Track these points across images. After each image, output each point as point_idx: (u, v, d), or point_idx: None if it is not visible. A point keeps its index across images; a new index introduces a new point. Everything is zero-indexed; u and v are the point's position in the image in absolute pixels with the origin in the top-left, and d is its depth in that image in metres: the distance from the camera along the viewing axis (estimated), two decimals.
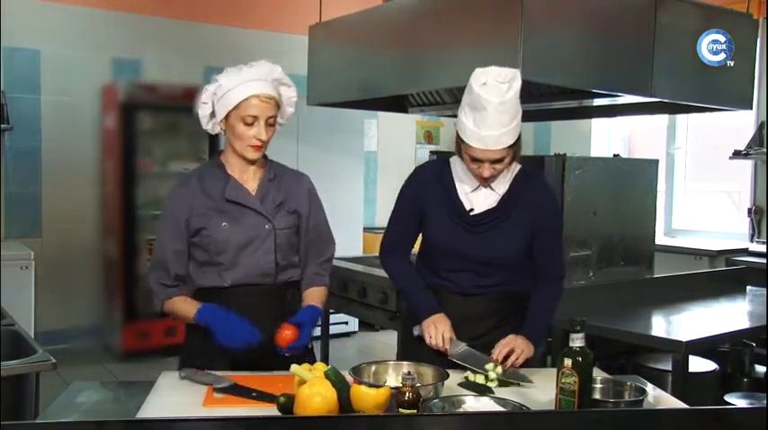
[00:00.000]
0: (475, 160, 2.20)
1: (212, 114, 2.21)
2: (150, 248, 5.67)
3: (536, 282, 2.35)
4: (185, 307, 2.19)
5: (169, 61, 6.04)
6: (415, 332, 2.33)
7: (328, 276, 2.36)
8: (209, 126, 2.24)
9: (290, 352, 2.09)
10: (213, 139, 5.72)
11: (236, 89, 2.12)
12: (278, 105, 2.19)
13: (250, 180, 2.24)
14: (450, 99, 3.89)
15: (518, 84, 2.16)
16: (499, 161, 2.19)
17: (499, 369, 2.12)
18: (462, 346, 2.23)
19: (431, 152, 4.08)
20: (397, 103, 4.26)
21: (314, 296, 2.28)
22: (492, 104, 2.10)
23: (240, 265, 2.18)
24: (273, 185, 2.26)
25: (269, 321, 2.14)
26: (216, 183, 2.21)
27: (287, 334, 2.08)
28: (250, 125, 2.13)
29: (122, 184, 5.58)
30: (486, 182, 2.26)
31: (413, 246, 2.47)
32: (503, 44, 2.97)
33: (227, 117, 2.16)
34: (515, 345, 2.17)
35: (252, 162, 2.22)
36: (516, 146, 2.21)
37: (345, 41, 4.09)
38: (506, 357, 2.15)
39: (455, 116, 4.64)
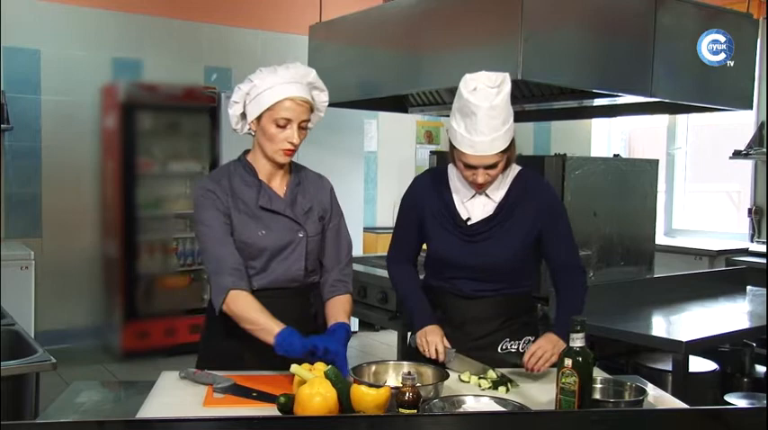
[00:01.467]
0: (468, 167, 2.18)
1: (243, 115, 2.17)
2: (150, 249, 5.69)
3: (556, 279, 2.33)
4: (263, 320, 2.02)
5: (169, 61, 6.05)
6: (410, 342, 2.35)
7: (350, 281, 2.31)
8: (239, 126, 2.20)
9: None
10: (213, 139, 5.74)
11: (271, 90, 2.08)
12: (311, 109, 2.16)
13: (278, 185, 2.21)
14: (450, 99, 3.88)
15: (508, 87, 2.13)
16: (493, 167, 2.17)
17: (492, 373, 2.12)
18: (452, 354, 2.22)
19: (431, 152, 4.07)
20: (397, 103, 4.26)
21: (338, 309, 2.21)
22: (482, 109, 2.08)
23: (270, 271, 2.16)
24: (300, 190, 2.23)
25: (291, 321, 2.09)
26: (248, 189, 2.17)
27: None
28: (282, 128, 2.09)
29: (122, 184, 5.58)
30: (480, 188, 2.25)
31: (418, 253, 2.47)
32: (503, 44, 2.97)
33: (259, 118, 2.11)
34: (545, 349, 2.13)
35: (281, 166, 2.19)
36: (510, 151, 2.19)
37: (345, 41, 4.08)
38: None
39: None
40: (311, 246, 2.20)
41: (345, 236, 2.33)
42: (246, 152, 2.24)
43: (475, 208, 2.28)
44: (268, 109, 2.08)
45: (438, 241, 2.32)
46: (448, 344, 2.24)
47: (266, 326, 2.01)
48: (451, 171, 2.33)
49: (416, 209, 2.36)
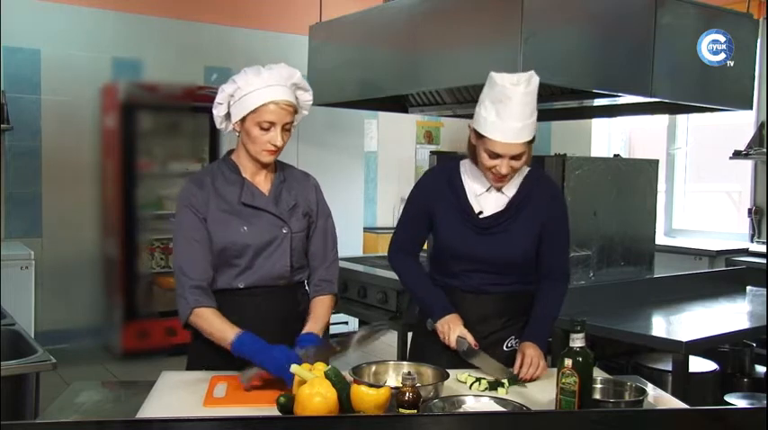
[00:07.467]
0: (494, 156, 2.17)
1: (227, 115, 2.17)
2: (151, 249, 5.69)
3: (539, 282, 2.35)
4: (219, 326, 2.08)
5: (169, 61, 6.04)
6: (429, 326, 2.35)
7: (335, 281, 2.32)
8: (223, 126, 2.21)
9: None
10: (213, 139, 5.75)
11: (255, 93, 2.08)
12: (295, 111, 2.16)
13: (262, 182, 2.22)
14: (450, 99, 3.89)
15: (536, 81, 2.16)
16: (518, 158, 2.17)
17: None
18: (477, 352, 2.23)
19: (431, 152, 4.07)
20: (397, 103, 4.26)
21: (319, 311, 2.24)
22: (518, 94, 2.11)
23: (256, 269, 2.16)
24: (285, 187, 2.24)
25: (279, 320, 2.15)
26: (231, 186, 2.18)
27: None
28: (266, 130, 2.09)
29: (122, 184, 5.57)
30: (501, 181, 2.23)
31: (421, 247, 2.47)
32: (503, 44, 2.97)
33: (243, 120, 2.12)
34: (535, 358, 2.17)
35: (265, 165, 2.20)
36: (530, 145, 2.20)
37: (345, 41, 4.09)
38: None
39: (455, 116, 4.65)
40: (296, 243, 2.21)
41: (332, 234, 2.34)
42: (231, 151, 2.25)
43: (488, 203, 2.28)
44: (252, 112, 2.09)
45: (449, 233, 2.31)
46: (469, 335, 2.25)
47: (222, 335, 2.06)
48: (463, 167, 2.34)
49: (427, 201, 2.35)
